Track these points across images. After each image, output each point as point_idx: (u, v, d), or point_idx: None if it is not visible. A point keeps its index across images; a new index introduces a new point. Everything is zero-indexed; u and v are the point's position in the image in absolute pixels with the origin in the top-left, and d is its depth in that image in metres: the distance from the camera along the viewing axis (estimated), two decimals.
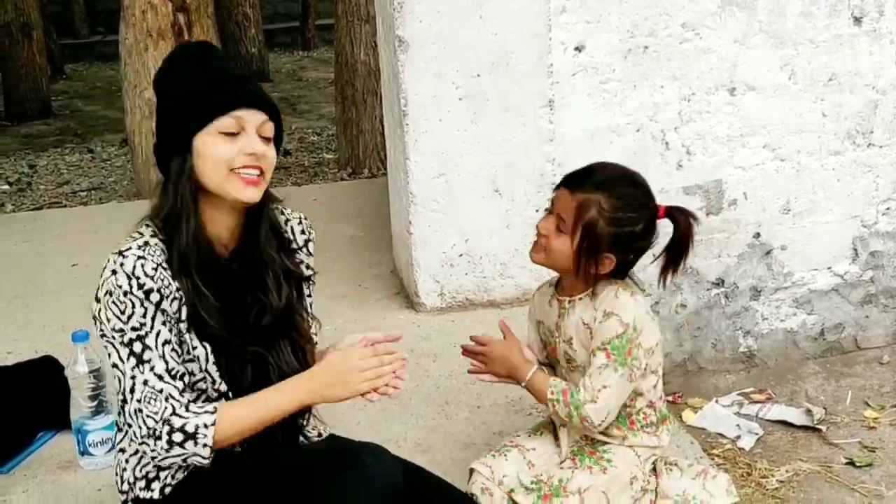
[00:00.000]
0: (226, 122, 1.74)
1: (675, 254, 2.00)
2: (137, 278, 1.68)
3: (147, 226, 1.78)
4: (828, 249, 3.50)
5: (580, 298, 2.03)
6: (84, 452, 2.42)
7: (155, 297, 1.69)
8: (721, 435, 3.07)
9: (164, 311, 1.71)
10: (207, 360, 1.77)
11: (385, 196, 3.73)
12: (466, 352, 2.10)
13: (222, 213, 1.80)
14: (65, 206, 6.39)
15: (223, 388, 1.79)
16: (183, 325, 1.74)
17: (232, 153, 1.74)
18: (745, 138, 3.33)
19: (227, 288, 1.80)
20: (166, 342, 1.71)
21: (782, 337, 3.54)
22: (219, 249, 1.82)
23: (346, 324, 3.07)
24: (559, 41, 3.13)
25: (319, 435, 1.99)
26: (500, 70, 3.11)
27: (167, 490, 1.80)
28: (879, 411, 3.17)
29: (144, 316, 1.69)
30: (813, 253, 3.48)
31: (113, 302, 1.68)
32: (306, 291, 1.96)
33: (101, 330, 1.72)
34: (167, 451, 1.68)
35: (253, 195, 1.76)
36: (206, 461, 1.71)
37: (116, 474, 1.86)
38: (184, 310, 1.74)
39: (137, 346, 1.69)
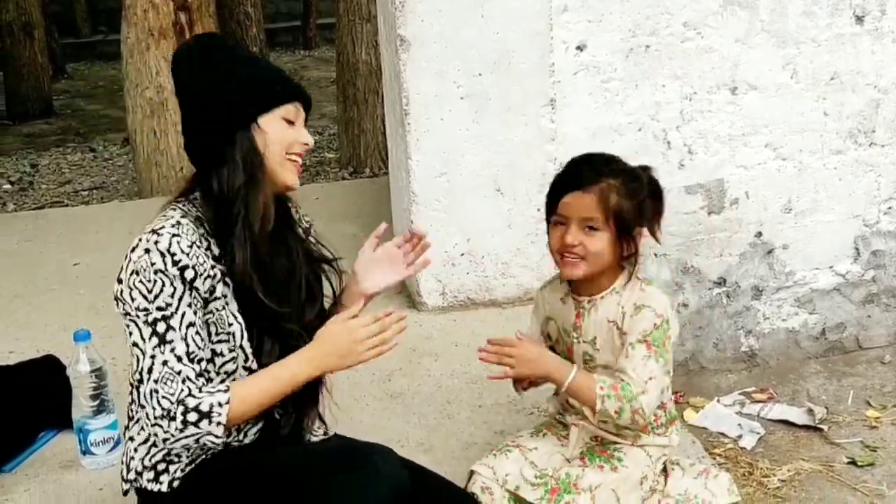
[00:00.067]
0: (289, 109, 1.84)
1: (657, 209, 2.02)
2: (173, 255, 1.70)
3: (173, 208, 1.80)
4: (829, 249, 3.49)
5: (602, 297, 2.01)
6: (86, 452, 2.42)
7: (189, 273, 1.71)
8: (723, 434, 3.07)
9: (194, 290, 1.73)
10: (242, 336, 1.79)
11: (386, 195, 3.73)
12: (485, 354, 1.98)
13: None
14: (66, 205, 6.40)
15: (254, 365, 1.81)
16: (218, 303, 1.76)
17: (291, 138, 1.83)
18: (747, 137, 3.33)
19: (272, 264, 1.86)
20: (191, 324, 1.73)
21: (784, 336, 3.54)
22: None
23: None
24: (561, 40, 3.13)
25: (325, 434, 2.00)
26: (502, 69, 3.10)
27: (175, 483, 1.80)
28: (881, 411, 3.17)
29: (172, 296, 1.70)
30: (815, 252, 3.48)
31: (140, 281, 1.69)
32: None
33: (125, 309, 1.73)
34: (181, 431, 1.69)
35: (297, 183, 1.87)
36: (219, 440, 1.72)
37: (123, 462, 1.87)
38: (219, 287, 1.76)
39: (161, 326, 1.70)
